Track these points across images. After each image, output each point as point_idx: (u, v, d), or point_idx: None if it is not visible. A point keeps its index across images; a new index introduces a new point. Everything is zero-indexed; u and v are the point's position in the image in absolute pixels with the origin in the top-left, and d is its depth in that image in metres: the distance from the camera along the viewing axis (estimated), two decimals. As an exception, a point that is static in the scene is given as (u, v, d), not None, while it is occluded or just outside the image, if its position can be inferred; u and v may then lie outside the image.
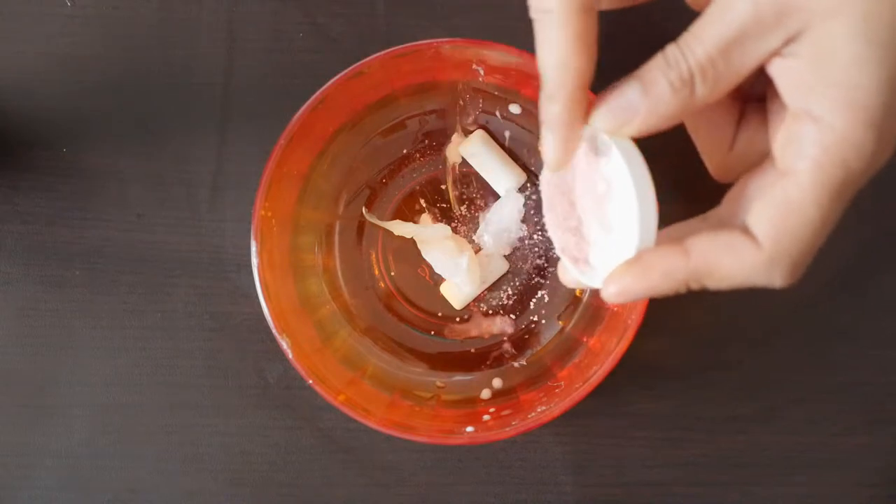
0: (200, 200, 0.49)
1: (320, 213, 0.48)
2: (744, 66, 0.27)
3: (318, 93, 0.43)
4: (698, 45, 0.27)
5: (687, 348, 0.49)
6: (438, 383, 0.47)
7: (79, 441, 0.48)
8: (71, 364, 0.49)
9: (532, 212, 0.48)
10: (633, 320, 0.41)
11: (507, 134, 0.48)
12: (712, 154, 0.32)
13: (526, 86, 0.45)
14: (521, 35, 0.50)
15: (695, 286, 0.29)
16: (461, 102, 0.48)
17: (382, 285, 0.49)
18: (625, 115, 0.28)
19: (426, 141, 0.49)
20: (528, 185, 0.48)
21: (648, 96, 0.28)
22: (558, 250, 0.34)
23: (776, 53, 0.27)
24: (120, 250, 0.49)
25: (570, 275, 0.34)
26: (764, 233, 0.27)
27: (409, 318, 0.49)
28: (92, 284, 0.49)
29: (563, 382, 0.44)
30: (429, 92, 0.47)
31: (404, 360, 0.48)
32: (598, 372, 0.42)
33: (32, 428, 0.48)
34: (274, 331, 0.42)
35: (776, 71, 0.27)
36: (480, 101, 0.48)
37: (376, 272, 0.49)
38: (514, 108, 0.47)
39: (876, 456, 0.49)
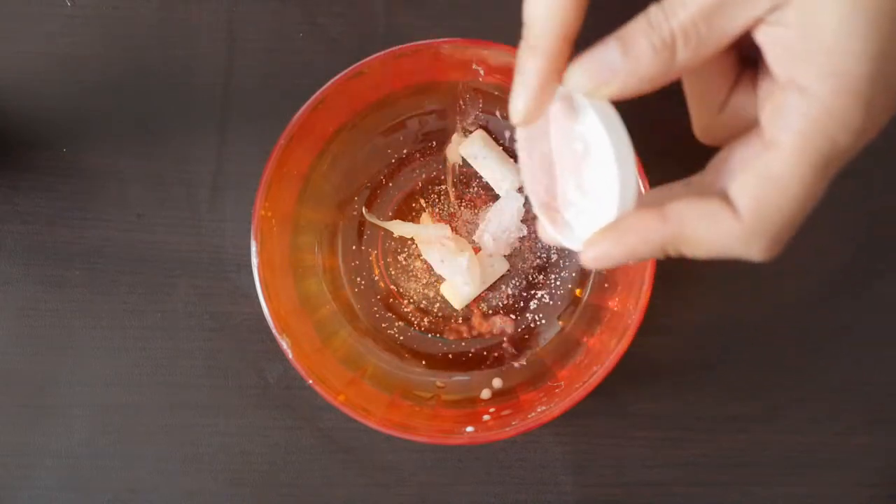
0: (200, 200, 0.49)
1: (320, 213, 0.48)
2: (727, 31, 0.26)
3: (318, 93, 0.43)
4: (681, 7, 0.26)
5: (687, 348, 0.49)
6: (438, 383, 0.47)
7: (79, 441, 0.48)
8: (71, 364, 0.49)
9: (531, 212, 0.48)
10: (633, 320, 0.41)
11: (507, 134, 0.48)
12: (701, 114, 0.31)
13: (526, 86, 0.45)
14: (521, 35, 0.50)
15: (672, 252, 0.29)
16: (461, 102, 0.48)
17: (382, 285, 0.49)
18: (603, 74, 0.27)
19: (426, 141, 0.49)
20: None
21: (628, 57, 0.27)
22: (536, 208, 0.33)
23: (762, 20, 0.26)
24: (120, 250, 0.49)
25: (549, 233, 0.33)
26: (745, 204, 0.27)
27: (409, 318, 0.49)
28: (92, 284, 0.49)
29: (563, 382, 0.44)
30: (429, 92, 0.47)
31: (404, 360, 0.48)
32: (598, 372, 0.42)
33: (32, 428, 0.48)
34: (274, 331, 0.42)
35: (763, 38, 0.27)
36: (480, 101, 0.48)
37: (376, 272, 0.49)
38: (514, 108, 0.47)
39: (876, 456, 0.49)
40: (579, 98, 0.29)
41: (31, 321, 0.49)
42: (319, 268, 0.48)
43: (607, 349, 0.43)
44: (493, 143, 0.48)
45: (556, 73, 0.29)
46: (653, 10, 0.27)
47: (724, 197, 0.27)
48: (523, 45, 0.29)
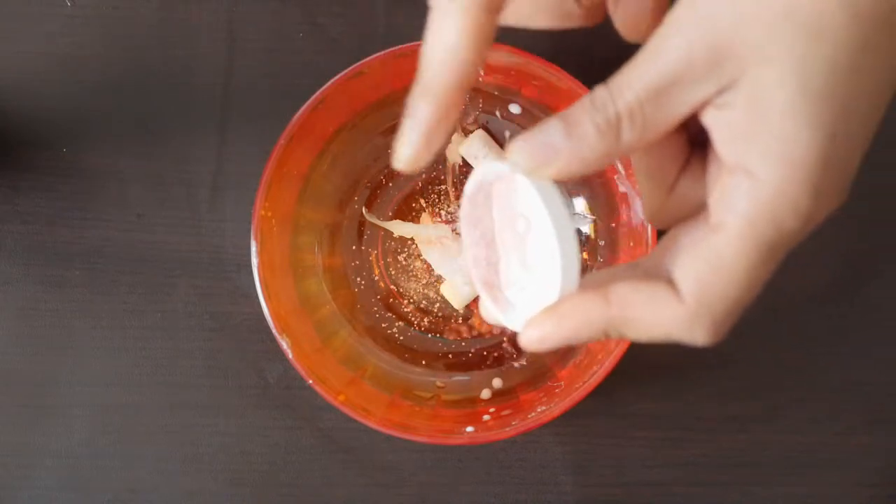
0: (200, 200, 0.49)
1: (320, 213, 0.48)
2: (674, 113, 0.25)
3: (318, 93, 0.43)
4: (627, 87, 0.25)
5: (687, 348, 0.48)
6: (438, 383, 0.47)
7: (79, 441, 0.48)
8: (71, 364, 0.49)
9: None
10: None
11: (507, 134, 0.48)
12: (650, 196, 0.30)
13: (526, 86, 0.45)
14: (521, 35, 0.50)
15: (614, 335, 0.28)
16: (461, 102, 0.48)
17: (382, 285, 0.49)
18: (544, 155, 0.27)
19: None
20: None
21: (571, 138, 0.26)
22: (478, 286, 0.32)
23: (709, 103, 0.25)
24: (120, 250, 0.49)
25: (491, 313, 0.32)
26: (688, 288, 0.26)
27: (409, 318, 0.49)
28: (92, 284, 0.49)
29: (563, 382, 0.44)
30: (429, 92, 0.47)
31: (404, 360, 0.48)
32: (598, 372, 0.42)
33: (32, 428, 0.48)
34: (274, 331, 0.42)
35: (710, 121, 0.26)
36: (480, 101, 0.48)
37: (376, 272, 0.49)
38: (514, 108, 0.47)
39: (876, 456, 0.49)
40: (520, 177, 0.28)
41: (31, 321, 0.49)
42: (319, 268, 0.48)
43: (607, 349, 0.43)
44: (493, 143, 0.48)
45: (447, 120, 0.28)
46: (598, 90, 0.26)
47: (669, 280, 0.27)
48: (417, 87, 0.28)
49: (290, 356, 0.42)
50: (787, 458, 0.48)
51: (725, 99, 0.25)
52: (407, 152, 0.28)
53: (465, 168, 0.49)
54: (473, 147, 0.48)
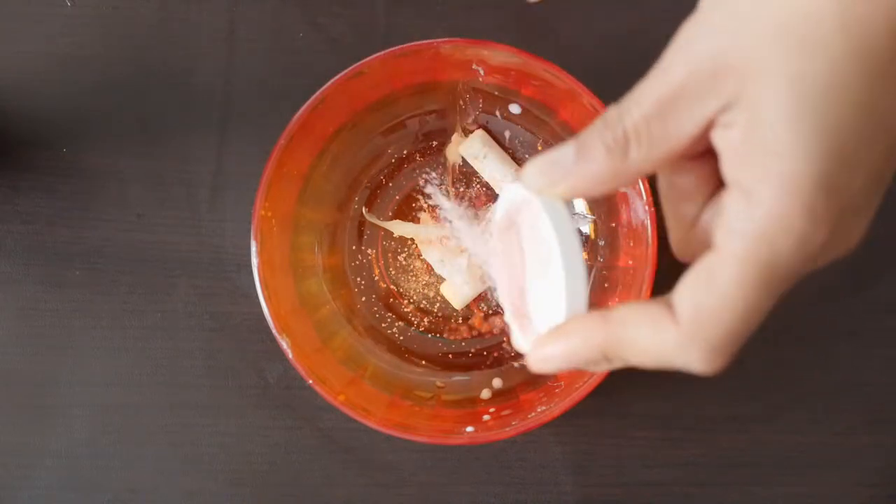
0: (200, 200, 0.49)
1: (320, 213, 0.48)
2: (681, 130, 0.25)
3: (318, 93, 0.43)
4: (635, 106, 0.25)
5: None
6: (438, 383, 0.47)
7: (79, 441, 0.48)
8: (71, 364, 0.49)
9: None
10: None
11: (507, 134, 0.48)
12: (675, 228, 0.29)
13: (526, 86, 0.45)
14: (521, 35, 0.50)
15: (615, 359, 0.27)
16: (461, 102, 0.48)
17: (382, 285, 0.49)
18: (556, 173, 0.27)
19: (426, 141, 0.49)
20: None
21: (581, 157, 0.26)
22: (508, 316, 0.32)
23: (715, 122, 0.25)
24: (120, 250, 0.49)
25: (519, 342, 0.32)
26: (683, 310, 0.25)
27: (409, 318, 0.49)
28: (92, 284, 0.49)
29: (563, 382, 0.44)
30: (429, 92, 0.47)
31: (404, 360, 0.48)
32: (598, 372, 0.42)
33: (32, 428, 0.48)
34: (274, 331, 0.42)
35: (717, 142, 0.25)
36: (480, 101, 0.48)
37: (376, 272, 0.49)
38: (514, 108, 0.47)
39: (876, 456, 0.49)
40: (537, 200, 0.28)
41: (31, 321, 0.49)
42: (319, 268, 0.48)
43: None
44: (493, 142, 0.48)
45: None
46: (611, 109, 0.26)
47: (668, 303, 0.26)
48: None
49: (290, 356, 0.42)
50: (787, 458, 0.48)
51: (728, 118, 0.24)
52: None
53: (465, 168, 0.49)
54: (473, 147, 0.48)
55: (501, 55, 0.43)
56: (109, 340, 0.49)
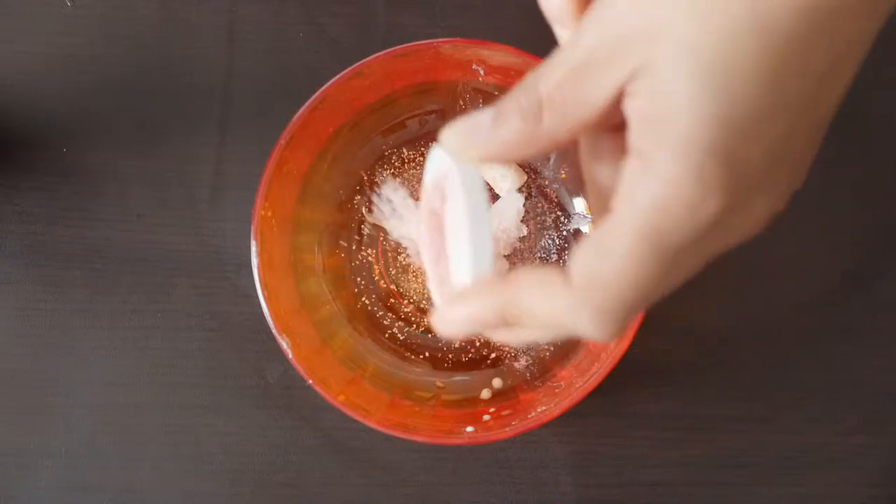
0: (200, 200, 0.49)
1: (320, 213, 0.48)
2: (592, 97, 0.25)
3: (318, 93, 0.43)
4: (550, 72, 0.25)
5: (687, 348, 0.49)
6: (438, 383, 0.47)
7: (79, 441, 0.48)
8: (71, 364, 0.49)
9: (531, 212, 0.48)
10: (634, 320, 0.41)
11: (507, 134, 0.48)
12: (593, 201, 0.29)
13: (526, 86, 0.45)
14: (521, 35, 0.50)
15: (514, 323, 0.27)
16: (461, 103, 0.48)
17: (382, 285, 0.49)
18: (471, 137, 0.27)
19: (426, 141, 0.49)
20: (528, 185, 0.48)
21: (497, 122, 0.26)
22: (432, 285, 0.32)
23: (625, 91, 0.24)
24: (120, 250, 0.49)
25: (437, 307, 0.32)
26: (575, 272, 0.25)
27: (409, 318, 0.49)
28: (92, 284, 0.49)
29: (563, 382, 0.44)
30: (429, 92, 0.47)
31: (404, 360, 0.48)
32: (598, 372, 0.42)
33: (32, 428, 0.48)
34: (274, 331, 0.42)
35: (627, 112, 0.25)
36: (480, 101, 0.48)
37: (376, 272, 0.49)
38: (514, 108, 0.47)
39: (876, 456, 0.49)
40: (456, 165, 0.28)
41: (31, 321, 0.49)
42: (319, 268, 0.48)
43: (607, 349, 0.43)
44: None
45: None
46: (529, 75, 0.26)
47: (565, 268, 0.26)
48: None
49: (290, 356, 0.42)
50: (787, 458, 0.48)
51: (635, 86, 0.24)
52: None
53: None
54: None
55: (501, 55, 0.43)
56: (109, 340, 0.49)
